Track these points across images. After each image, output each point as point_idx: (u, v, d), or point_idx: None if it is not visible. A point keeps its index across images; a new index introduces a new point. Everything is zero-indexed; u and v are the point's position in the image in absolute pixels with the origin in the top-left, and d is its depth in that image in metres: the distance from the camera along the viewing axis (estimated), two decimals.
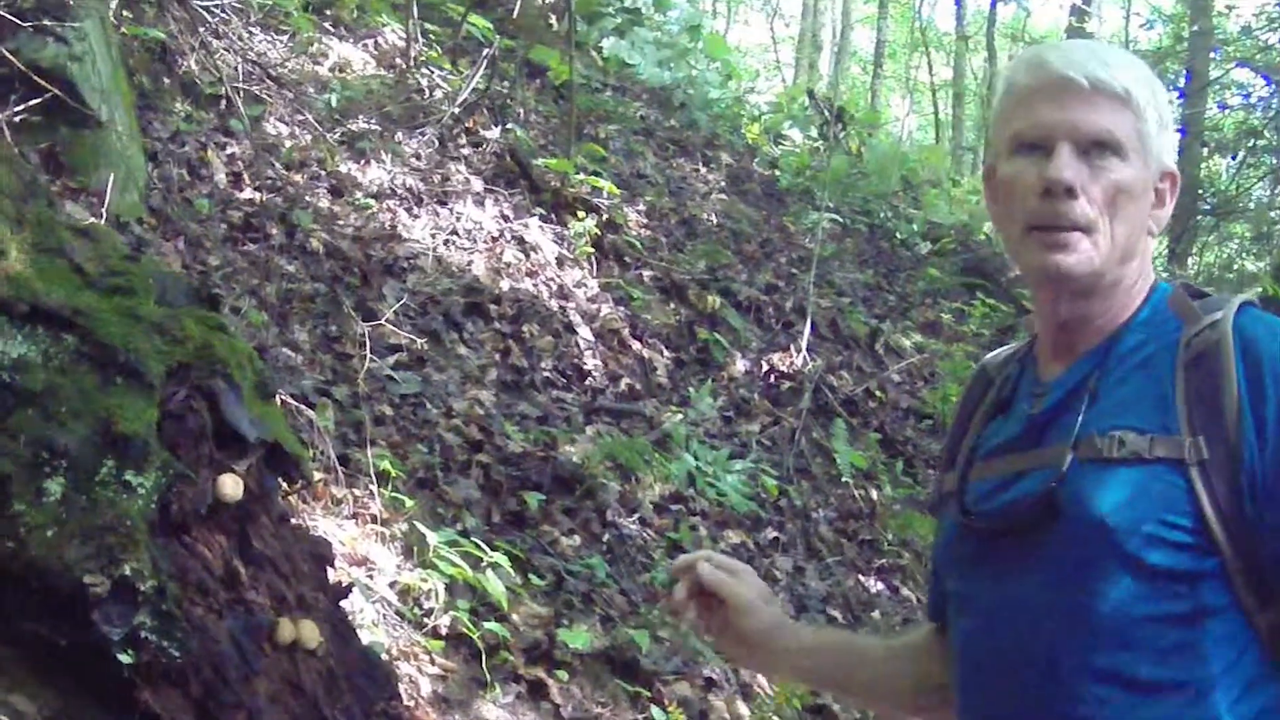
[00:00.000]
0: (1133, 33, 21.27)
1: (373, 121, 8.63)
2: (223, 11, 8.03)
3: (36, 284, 2.77)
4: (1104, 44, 2.04)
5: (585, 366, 7.44)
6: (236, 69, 7.79)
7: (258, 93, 7.85)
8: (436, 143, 8.75)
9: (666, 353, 8.15)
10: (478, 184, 8.51)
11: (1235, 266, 17.63)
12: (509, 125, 9.44)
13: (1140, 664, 1.82)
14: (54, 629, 2.54)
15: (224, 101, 7.47)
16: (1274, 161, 16.74)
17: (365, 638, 3.99)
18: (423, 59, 9.80)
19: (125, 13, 7.24)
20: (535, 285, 7.82)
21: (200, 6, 7.44)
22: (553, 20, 11.80)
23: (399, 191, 7.99)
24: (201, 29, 7.37)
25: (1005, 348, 2.28)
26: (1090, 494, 1.85)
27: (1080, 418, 1.92)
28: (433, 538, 5.01)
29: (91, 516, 2.57)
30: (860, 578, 7.20)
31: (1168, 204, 2.00)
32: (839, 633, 2.34)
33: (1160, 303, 1.99)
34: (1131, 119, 1.92)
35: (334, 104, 8.50)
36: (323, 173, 7.78)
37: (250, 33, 8.50)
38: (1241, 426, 1.81)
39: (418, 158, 8.50)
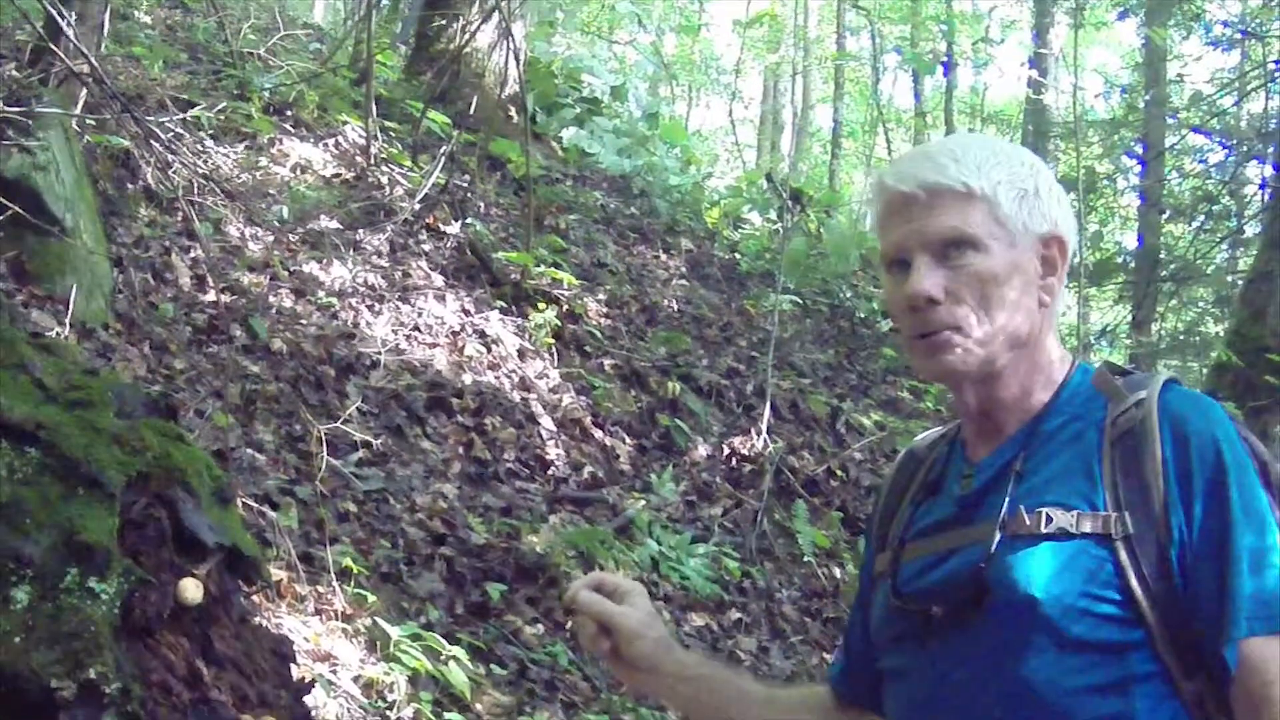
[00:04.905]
0: (1087, 103, 21.46)
1: (334, 220, 8.76)
2: (176, 128, 8.15)
3: (0, 399, 2.88)
4: (945, 142, 2.11)
5: (548, 456, 7.53)
6: (191, 184, 7.90)
7: (213, 205, 7.96)
8: (398, 239, 8.88)
9: (628, 440, 8.24)
10: (439, 279, 8.64)
11: (1199, 330, 17.75)
12: (469, 219, 9.57)
13: None
14: None
15: (185, 209, 7.59)
16: (1232, 225, 16.93)
17: None
18: (383, 156, 9.93)
19: (89, 120, 7.37)
20: (497, 378, 7.93)
21: (153, 123, 7.56)
22: (512, 112, 11.93)
23: (360, 289, 8.10)
24: (155, 144, 7.48)
25: (933, 430, 2.32)
26: (1017, 570, 1.89)
27: (1007, 496, 1.95)
28: (395, 631, 5.09)
29: (57, 623, 2.66)
30: (825, 655, 7.21)
31: (1059, 268, 2.03)
32: (721, 667, 2.41)
33: (1083, 382, 2.04)
34: (981, 208, 1.96)
35: (294, 205, 8.62)
36: (285, 273, 7.89)
37: (203, 147, 8.61)
38: (1168, 502, 1.86)
39: (379, 255, 8.61)
